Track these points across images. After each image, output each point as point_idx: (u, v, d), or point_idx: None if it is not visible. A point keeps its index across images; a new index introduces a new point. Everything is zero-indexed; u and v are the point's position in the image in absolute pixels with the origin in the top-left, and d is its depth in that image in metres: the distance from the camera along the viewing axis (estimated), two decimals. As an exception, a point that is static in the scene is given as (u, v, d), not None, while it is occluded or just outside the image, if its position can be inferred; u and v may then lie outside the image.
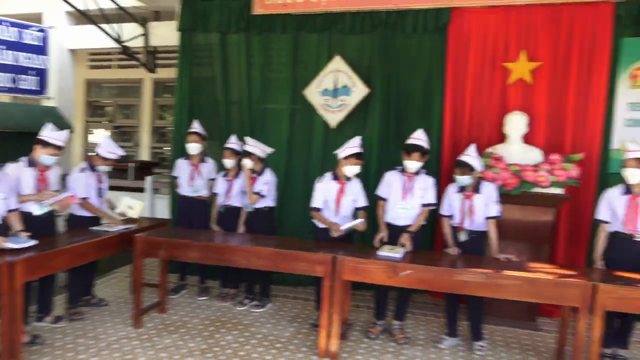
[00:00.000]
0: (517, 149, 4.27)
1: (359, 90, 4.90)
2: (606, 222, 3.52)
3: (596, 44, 4.34)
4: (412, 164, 3.74)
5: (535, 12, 4.45)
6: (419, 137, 3.80)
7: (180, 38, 5.42)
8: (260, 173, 4.33)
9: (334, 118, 5.00)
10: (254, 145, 4.32)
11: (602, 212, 3.54)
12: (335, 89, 4.97)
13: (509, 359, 3.60)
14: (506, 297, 3.22)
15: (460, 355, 3.63)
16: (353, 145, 3.83)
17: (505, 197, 3.90)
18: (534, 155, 4.22)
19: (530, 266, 3.44)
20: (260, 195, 4.29)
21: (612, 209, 3.48)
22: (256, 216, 4.36)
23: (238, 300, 4.51)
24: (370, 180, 4.65)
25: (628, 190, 3.43)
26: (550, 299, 3.22)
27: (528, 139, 4.37)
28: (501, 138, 4.44)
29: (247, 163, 4.28)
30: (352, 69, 4.91)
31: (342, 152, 3.84)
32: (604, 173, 4.37)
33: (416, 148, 3.73)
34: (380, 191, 3.89)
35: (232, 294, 4.60)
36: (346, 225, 3.75)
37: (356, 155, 3.81)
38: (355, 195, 3.92)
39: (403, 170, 3.82)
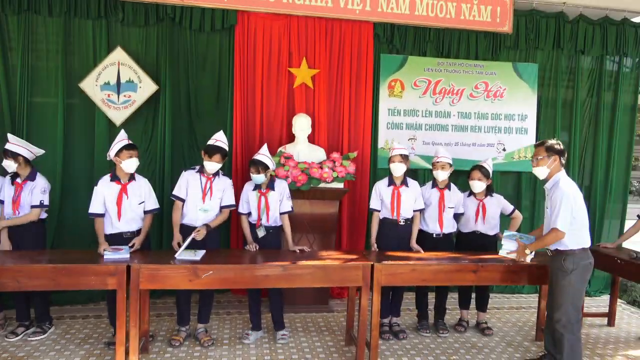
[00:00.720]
0: (303, 149, 4.63)
1: (147, 87, 4.60)
2: (377, 210, 4.09)
3: (362, 57, 4.98)
4: (213, 165, 3.69)
5: (312, 24, 4.85)
6: (220, 139, 3.77)
7: None
8: (29, 178, 3.71)
9: (118, 115, 4.58)
10: (18, 145, 3.67)
11: (374, 202, 4.10)
12: (119, 84, 4.56)
13: (308, 342, 3.91)
14: (303, 285, 3.50)
15: (265, 347, 3.78)
16: (120, 139, 3.56)
17: (296, 192, 4.20)
18: (318, 153, 4.64)
19: (321, 255, 3.77)
20: (43, 206, 3.71)
21: (381, 198, 4.08)
22: (26, 229, 3.71)
23: (9, 330, 3.79)
24: (165, 181, 4.45)
25: (392, 182, 4.07)
26: (339, 282, 3.61)
27: (313, 139, 4.79)
28: (290, 138, 4.76)
29: (10, 166, 3.62)
30: (137, 63, 4.58)
31: (112, 150, 3.53)
32: (374, 168, 5.10)
33: (218, 150, 3.69)
34: (178, 191, 3.74)
35: (-2, 324, 3.85)
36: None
37: (127, 147, 3.53)
38: (143, 196, 3.66)
39: (201, 171, 3.75)
